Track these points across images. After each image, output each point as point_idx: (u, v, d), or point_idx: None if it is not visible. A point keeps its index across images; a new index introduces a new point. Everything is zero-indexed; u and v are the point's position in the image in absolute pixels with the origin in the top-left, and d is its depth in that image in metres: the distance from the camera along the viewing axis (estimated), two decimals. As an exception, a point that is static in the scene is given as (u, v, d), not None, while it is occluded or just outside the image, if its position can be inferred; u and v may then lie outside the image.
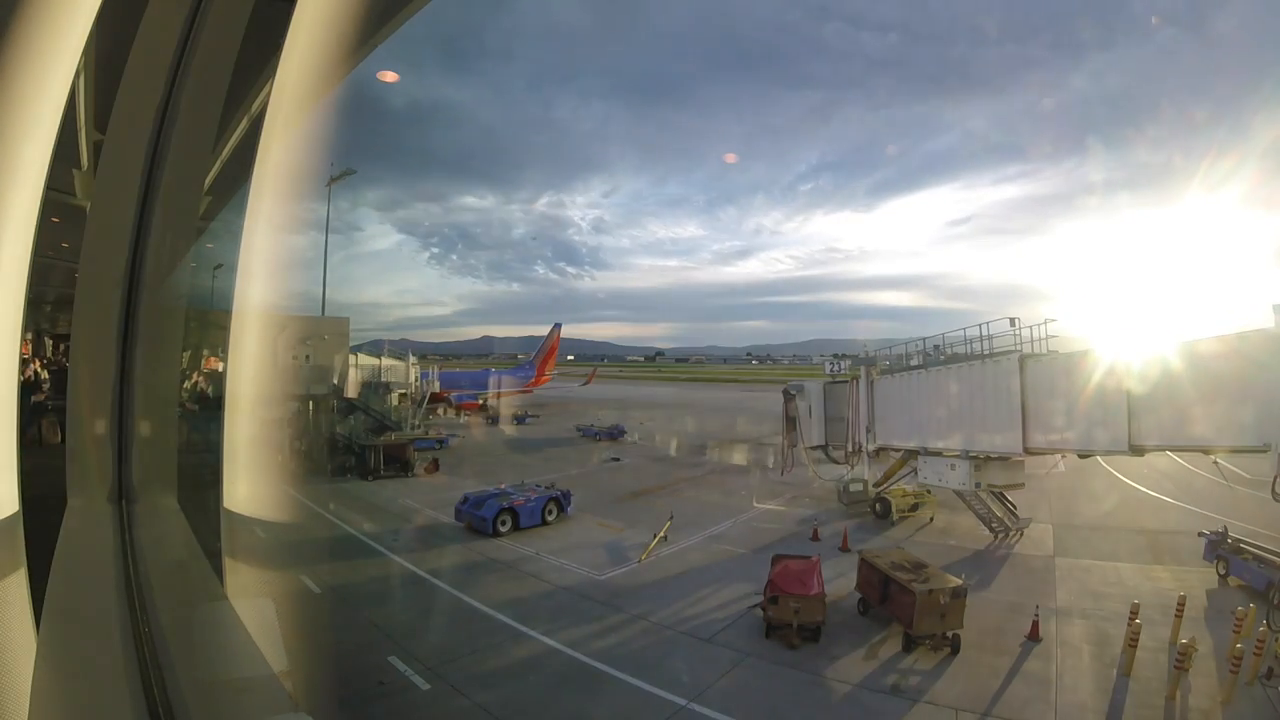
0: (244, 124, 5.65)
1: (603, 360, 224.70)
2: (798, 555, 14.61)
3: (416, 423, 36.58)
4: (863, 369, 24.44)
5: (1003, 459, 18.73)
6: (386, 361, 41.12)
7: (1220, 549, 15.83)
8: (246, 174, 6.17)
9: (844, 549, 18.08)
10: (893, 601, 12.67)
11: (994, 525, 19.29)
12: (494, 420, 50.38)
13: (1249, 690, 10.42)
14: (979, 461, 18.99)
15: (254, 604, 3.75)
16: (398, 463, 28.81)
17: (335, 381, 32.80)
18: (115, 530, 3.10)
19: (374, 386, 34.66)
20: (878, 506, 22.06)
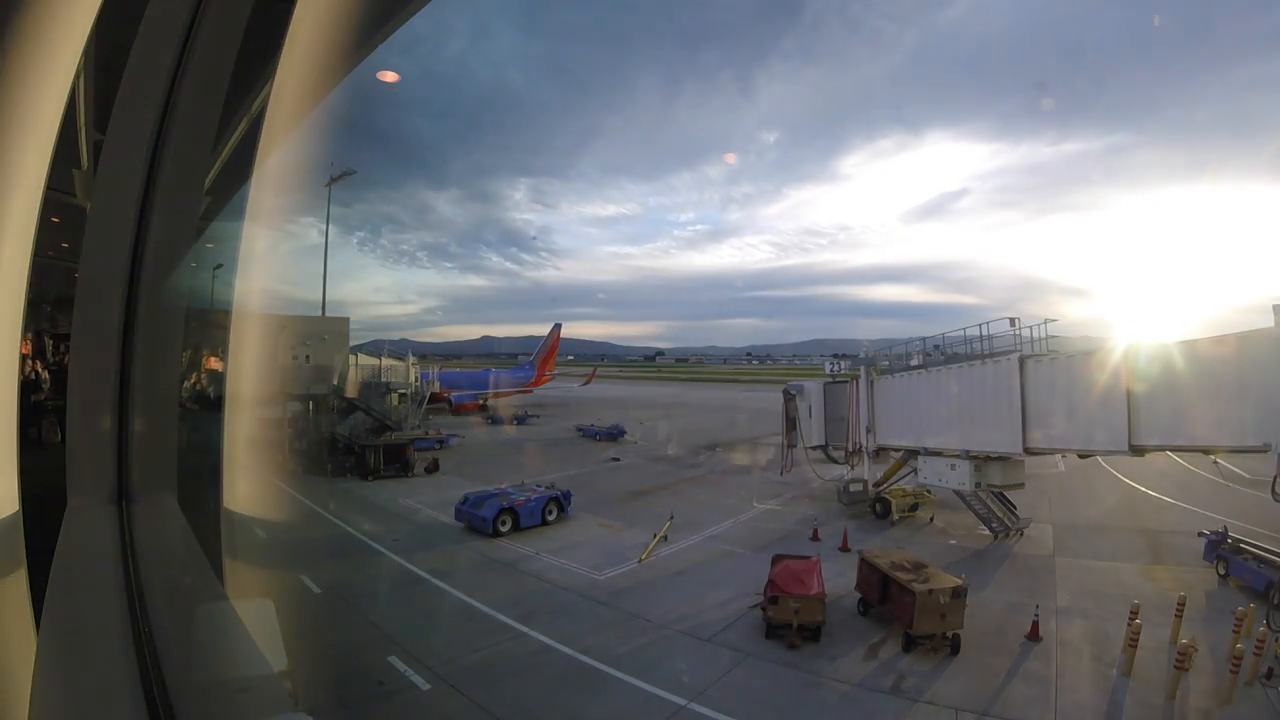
0: (244, 124, 5.65)
1: (602, 360, 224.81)
2: (798, 555, 14.62)
3: (416, 423, 36.58)
4: (863, 369, 24.47)
5: (1003, 459, 18.74)
6: (386, 362, 41.14)
7: (1220, 549, 15.84)
8: (246, 174, 6.17)
9: (844, 549, 18.08)
10: (893, 601, 12.67)
11: (994, 525, 19.30)
12: (494, 420, 50.39)
13: (1249, 690, 10.42)
14: (979, 462, 19.00)
15: (254, 604, 3.75)
16: (398, 463, 28.82)
17: (335, 381, 32.80)
18: (115, 530, 3.10)
19: (374, 386, 34.65)
20: (878, 507, 22.07)
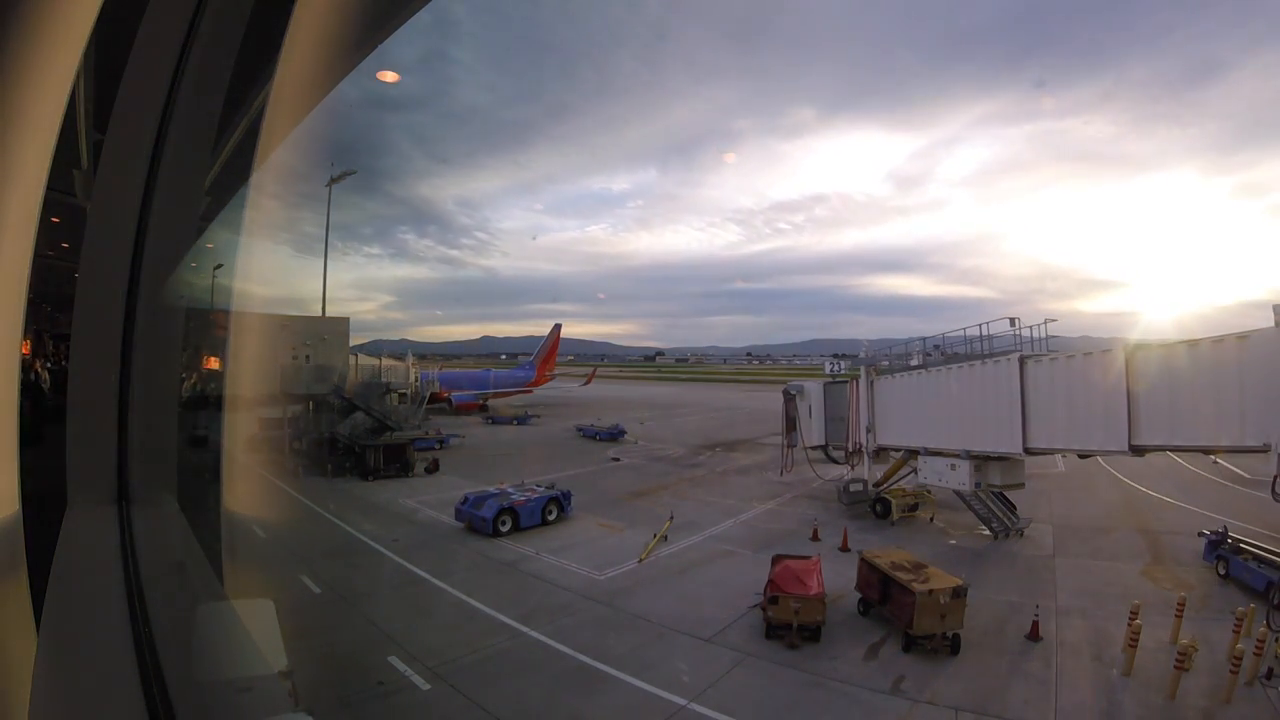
0: (244, 124, 5.65)
1: (602, 360, 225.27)
2: (798, 555, 14.62)
3: (416, 423, 36.60)
4: (863, 369, 24.49)
5: (1003, 459, 18.74)
6: (386, 362, 41.21)
7: (1220, 549, 15.84)
8: (246, 174, 6.18)
9: (844, 549, 18.08)
10: (893, 601, 12.67)
11: (994, 525, 19.30)
12: (494, 420, 50.39)
13: (1249, 690, 10.42)
14: (979, 461, 19.01)
15: (254, 604, 3.75)
16: (398, 463, 28.81)
17: (335, 381, 32.83)
18: (115, 531, 3.10)
19: (374, 386, 34.69)
20: (878, 507, 22.07)
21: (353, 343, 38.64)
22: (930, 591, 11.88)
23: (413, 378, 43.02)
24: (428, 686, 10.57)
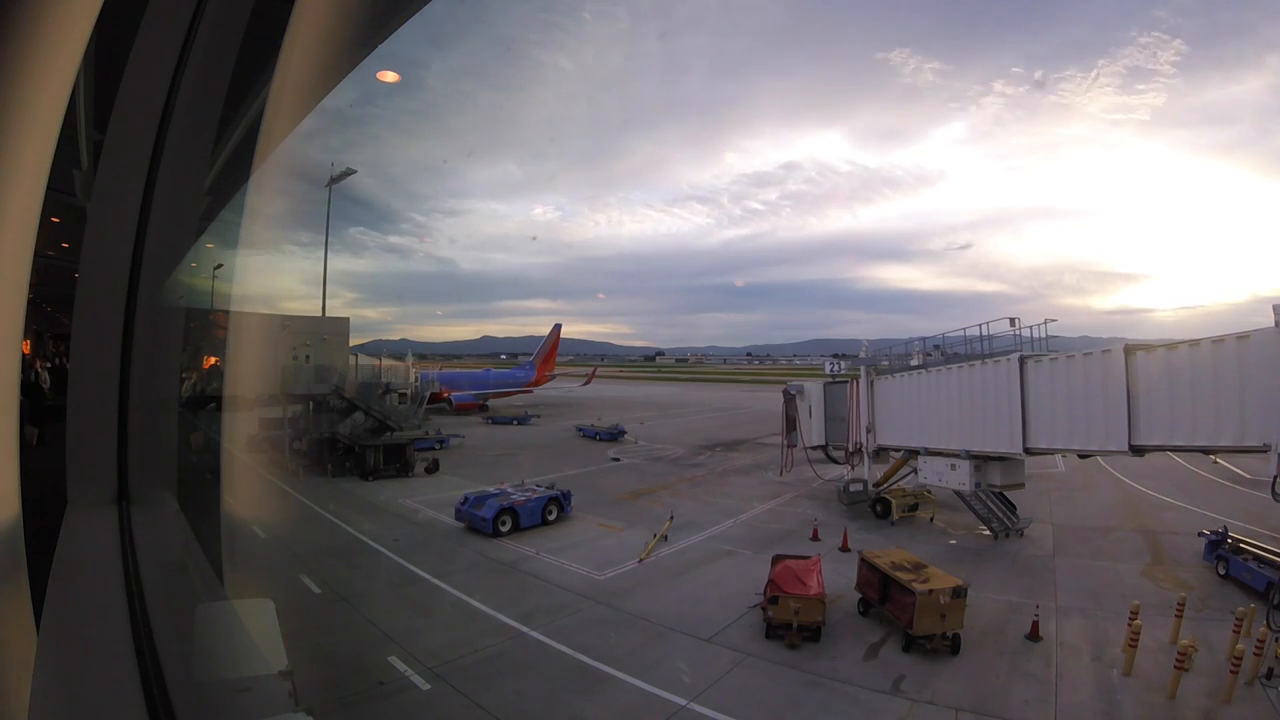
0: (244, 124, 5.65)
1: (602, 360, 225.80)
2: (798, 555, 14.63)
3: (417, 423, 36.59)
4: (862, 369, 24.50)
5: (1003, 459, 18.74)
6: (386, 362, 41.24)
7: (1220, 549, 15.85)
8: (246, 174, 6.18)
9: (844, 549, 18.08)
10: (893, 601, 12.67)
11: (994, 525, 19.31)
12: (494, 420, 50.39)
13: (1249, 690, 10.42)
14: (979, 462, 19.01)
15: (254, 604, 3.76)
16: (398, 463, 28.81)
17: (335, 381, 32.84)
18: (115, 531, 3.11)
19: (373, 386, 34.68)
20: (878, 507, 22.07)
21: (351, 343, 38.67)
22: (930, 591, 11.88)
23: (412, 377, 43.04)
24: (428, 686, 10.57)
